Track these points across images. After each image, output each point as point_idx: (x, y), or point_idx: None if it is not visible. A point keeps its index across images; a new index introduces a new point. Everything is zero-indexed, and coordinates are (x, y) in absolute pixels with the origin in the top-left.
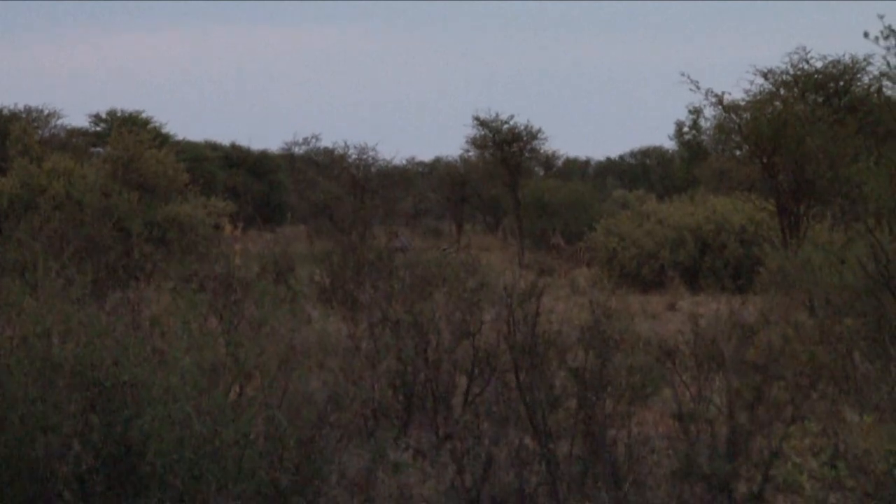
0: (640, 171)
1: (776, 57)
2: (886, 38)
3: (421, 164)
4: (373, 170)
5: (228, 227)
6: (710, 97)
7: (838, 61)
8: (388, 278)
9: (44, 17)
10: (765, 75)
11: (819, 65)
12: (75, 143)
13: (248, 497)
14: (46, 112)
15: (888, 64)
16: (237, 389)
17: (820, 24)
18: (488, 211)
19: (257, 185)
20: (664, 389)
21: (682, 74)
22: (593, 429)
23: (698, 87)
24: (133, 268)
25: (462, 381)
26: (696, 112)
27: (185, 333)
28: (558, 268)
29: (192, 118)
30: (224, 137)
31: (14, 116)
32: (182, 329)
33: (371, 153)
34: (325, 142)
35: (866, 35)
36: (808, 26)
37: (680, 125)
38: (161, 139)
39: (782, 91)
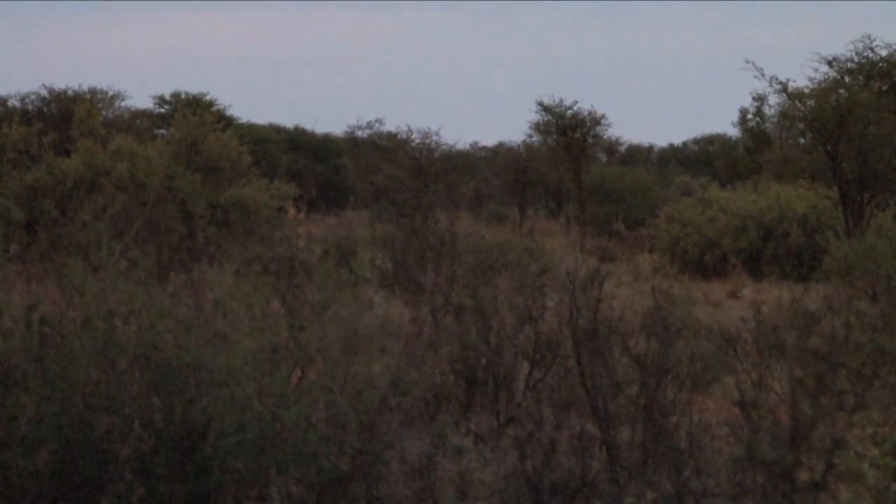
0: (703, 158)
1: (841, 44)
2: None
3: (484, 148)
4: (435, 154)
5: (292, 211)
6: (774, 84)
7: None
8: (451, 263)
9: None
10: (829, 63)
11: (884, 53)
12: (139, 124)
13: (309, 480)
14: (111, 93)
15: None
16: (299, 373)
17: (886, 11)
18: (551, 196)
19: (320, 168)
20: (726, 377)
21: (747, 61)
22: (655, 415)
23: (763, 75)
24: (196, 250)
25: (524, 366)
26: (760, 99)
27: (248, 316)
28: (620, 254)
29: (255, 101)
30: (288, 120)
31: (78, 97)
32: (244, 311)
33: (434, 138)
34: (389, 126)
35: None
36: (873, 14)
37: (744, 112)
38: (225, 121)
39: (847, 79)
